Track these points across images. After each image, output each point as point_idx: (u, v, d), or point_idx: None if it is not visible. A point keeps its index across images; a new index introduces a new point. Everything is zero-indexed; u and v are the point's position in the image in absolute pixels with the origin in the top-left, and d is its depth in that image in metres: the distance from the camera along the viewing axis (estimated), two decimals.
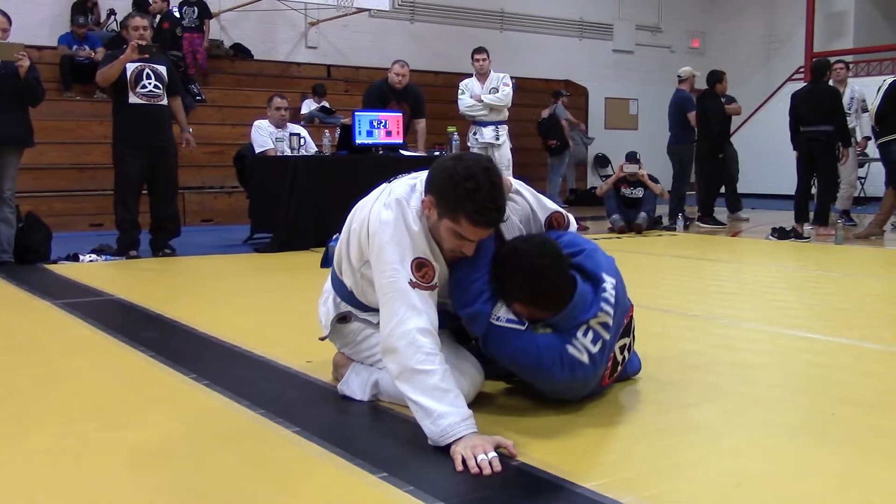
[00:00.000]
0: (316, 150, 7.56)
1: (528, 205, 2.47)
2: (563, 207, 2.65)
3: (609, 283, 2.34)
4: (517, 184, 2.49)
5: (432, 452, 2.08)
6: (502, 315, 2.27)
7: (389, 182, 2.41)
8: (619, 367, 2.50)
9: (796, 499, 1.81)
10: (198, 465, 2.03)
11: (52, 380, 2.86)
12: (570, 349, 2.26)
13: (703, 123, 8.93)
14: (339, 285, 2.52)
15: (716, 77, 9.10)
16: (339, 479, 1.93)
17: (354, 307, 2.50)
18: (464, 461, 1.94)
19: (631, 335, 2.52)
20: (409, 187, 2.28)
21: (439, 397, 2.05)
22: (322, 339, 2.61)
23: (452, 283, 2.32)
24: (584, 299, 2.28)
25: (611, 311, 2.31)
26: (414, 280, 2.15)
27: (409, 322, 2.11)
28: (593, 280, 2.33)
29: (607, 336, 2.31)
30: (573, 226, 2.60)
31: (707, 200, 9.22)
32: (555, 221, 2.52)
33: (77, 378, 2.89)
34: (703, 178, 9.24)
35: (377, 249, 2.22)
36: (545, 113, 11.53)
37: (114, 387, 2.77)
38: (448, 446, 2.01)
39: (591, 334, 2.28)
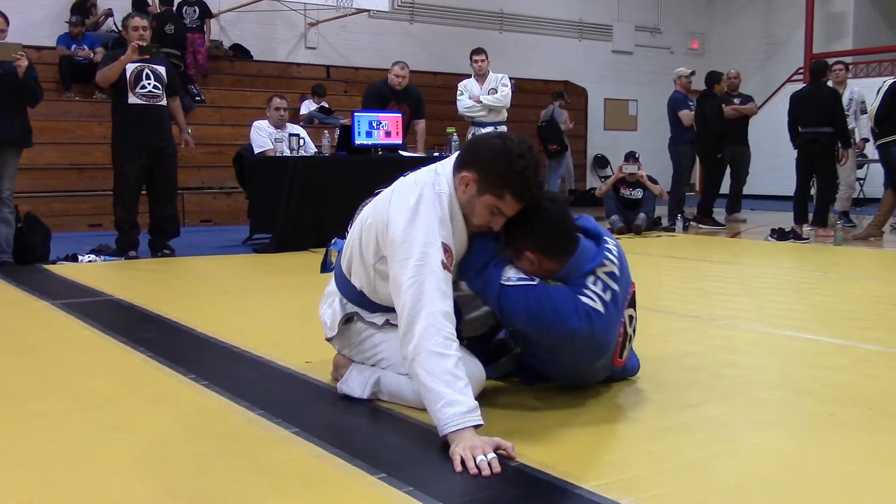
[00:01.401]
0: (315, 150, 7.57)
1: None
2: None
3: (610, 242, 2.48)
4: None
5: (432, 453, 2.08)
6: (513, 275, 2.33)
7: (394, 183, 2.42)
8: (629, 342, 2.56)
9: (796, 500, 1.81)
10: (197, 465, 2.03)
11: (50, 380, 2.86)
12: (584, 298, 2.31)
13: (702, 124, 8.93)
14: (346, 287, 2.52)
15: (714, 78, 9.11)
16: (338, 480, 1.92)
17: (362, 308, 2.50)
18: (463, 462, 1.94)
19: (635, 311, 2.58)
20: (433, 172, 2.32)
21: (451, 383, 2.05)
22: (328, 339, 2.61)
23: (463, 258, 2.38)
24: (587, 249, 2.39)
25: (615, 260, 2.41)
26: (444, 261, 2.18)
27: (436, 304, 2.12)
28: (594, 237, 2.46)
29: (616, 287, 2.38)
30: None
31: (705, 201, 9.22)
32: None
33: (76, 378, 2.88)
34: (703, 178, 9.25)
35: (402, 232, 2.21)
36: (543, 115, 11.54)
37: (113, 387, 2.76)
38: (447, 445, 2.01)
39: (600, 283, 2.35)
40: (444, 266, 2.18)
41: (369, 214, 2.41)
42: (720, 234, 8.58)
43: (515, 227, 2.33)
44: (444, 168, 2.34)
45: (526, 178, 2.22)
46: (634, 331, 2.58)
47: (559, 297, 2.30)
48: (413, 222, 2.21)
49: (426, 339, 2.09)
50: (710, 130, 8.90)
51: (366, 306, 2.49)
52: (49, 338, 3.57)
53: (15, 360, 3.16)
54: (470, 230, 2.34)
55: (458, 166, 2.30)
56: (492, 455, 1.95)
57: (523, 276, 2.33)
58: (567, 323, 2.28)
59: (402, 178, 2.41)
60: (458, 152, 2.39)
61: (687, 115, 9.15)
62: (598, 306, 2.32)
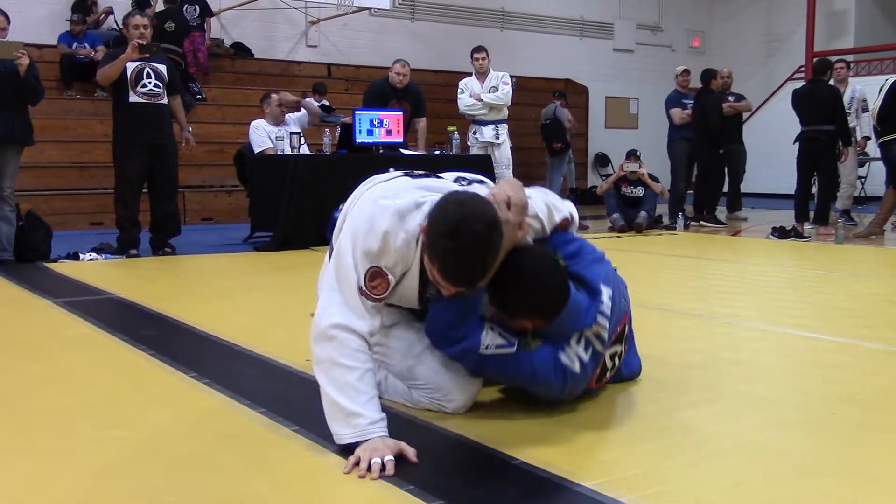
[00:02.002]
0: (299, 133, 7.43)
1: (541, 227, 2.37)
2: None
3: (606, 293, 2.31)
4: (535, 197, 2.33)
5: (432, 452, 2.08)
6: (490, 343, 2.23)
7: (396, 175, 2.34)
8: (608, 373, 2.46)
9: (796, 498, 1.81)
10: (198, 464, 2.03)
11: (51, 378, 2.86)
12: (563, 357, 2.25)
13: (701, 120, 8.92)
14: None
15: (710, 74, 9.12)
16: (338, 478, 1.92)
17: None
18: (357, 463, 1.92)
19: (624, 343, 2.48)
20: (415, 203, 2.14)
21: (353, 397, 2.01)
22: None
23: (431, 320, 2.26)
24: (577, 308, 2.25)
25: (606, 323, 2.29)
26: (364, 289, 2.10)
27: (349, 319, 2.07)
28: (589, 289, 2.30)
29: (600, 347, 2.30)
30: (576, 221, 2.54)
31: (702, 198, 9.21)
32: (560, 227, 2.46)
33: (77, 377, 2.88)
34: (700, 175, 9.23)
35: (346, 240, 2.15)
36: (545, 113, 11.53)
37: (114, 385, 2.77)
38: (446, 445, 2.01)
39: (583, 343, 2.26)
40: (363, 293, 2.09)
41: (350, 211, 2.30)
42: (722, 231, 8.57)
43: (500, 288, 2.21)
44: (430, 205, 2.13)
45: (448, 262, 2.00)
46: (615, 365, 2.48)
47: (538, 361, 2.24)
48: (355, 240, 2.13)
49: (332, 350, 2.05)
50: (709, 127, 8.89)
51: None
52: (50, 336, 3.57)
53: (16, 358, 3.16)
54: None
55: (427, 215, 2.10)
56: (389, 458, 1.92)
57: (501, 341, 2.23)
58: (540, 382, 2.28)
59: (393, 182, 2.28)
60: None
61: (677, 114, 9.14)
62: (575, 367, 2.25)
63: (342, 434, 2.02)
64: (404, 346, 2.38)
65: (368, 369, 2.07)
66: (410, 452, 1.98)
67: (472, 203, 2.03)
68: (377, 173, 2.42)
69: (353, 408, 2.01)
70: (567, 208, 2.47)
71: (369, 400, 2.04)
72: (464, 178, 2.37)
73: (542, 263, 2.23)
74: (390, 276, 2.13)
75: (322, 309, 2.12)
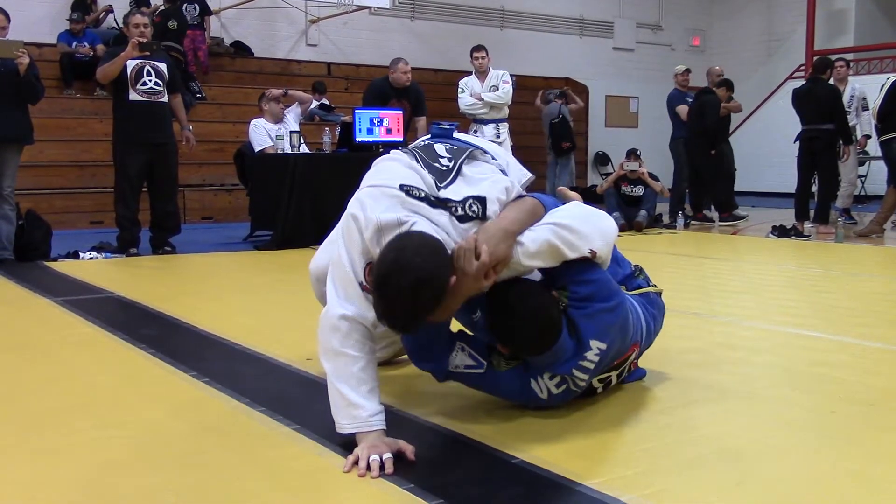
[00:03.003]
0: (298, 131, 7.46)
1: (534, 267, 2.25)
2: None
3: (594, 350, 2.23)
4: (548, 236, 2.19)
5: (432, 451, 2.08)
6: (459, 363, 2.28)
7: (400, 157, 2.28)
8: (597, 391, 2.46)
9: (796, 497, 1.81)
10: (198, 462, 2.03)
11: (52, 377, 2.86)
12: (532, 383, 2.27)
13: (698, 119, 8.91)
14: None
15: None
16: (338, 477, 1.93)
17: None
18: (357, 462, 1.94)
19: (620, 370, 2.47)
20: (397, 221, 2.06)
21: (354, 386, 2.05)
22: None
23: (402, 339, 2.35)
24: (557, 355, 2.21)
25: (583, 376, 2.27)
26: (365, 283, 2.08)
27: (355, 311, 2.08)
28: (579, 341, 2.24)
29: (573, 388, 2.30)
30: (601, 257, 2.34)
31: (699, 197, 9.21)
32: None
33: (77, 375, 2.88)
34: (695, 173, 9.21)
35: (341, 239, 2.16)
36: (548, 110, 11.54)
37: (114, 384, 2.77)
38: (447, 443, 2.01)
39: (557, 379, 2.27)
40: (365, 288, 2.07)
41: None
42: (714, 230, 8.56)
43: (492, 314, 2.22)
44: (407, 226, 2.07)
45: (377, 308, 1.97)
46: (610, 383, 2.47)
47: (504, 383, 2.30)
48: (345, 248, 2.12)
49: (338, 340, 2.07)
50: (706, 126, 8.88)
51: None
52: (50, 335, 3.57)
53: (16, 358, 3.16)
54: None
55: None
56: (387, 455, 1.94)
57: (470, 362, 2.28)
58: (504, 397, 2.36)
59: (382, 189, 2.15)
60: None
61: (684, 111, 9.14)
62: (543, 396, 2.29)
63: (343, 424, 2.06)
64: None
65: (371, 359, 2.11)
66: (409, 450, 1.99)
67: (413, 252, 1.93)
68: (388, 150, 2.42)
69: (355, 398, 2.04)
70: (595, 243, 2.26)
71: (370, 391, 2.07)
72: (471, 197, 2.20)
73: (538, 300, 2.19)
74: None
75: (330, 301, 2.14)
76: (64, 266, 5.63)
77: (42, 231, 6.03)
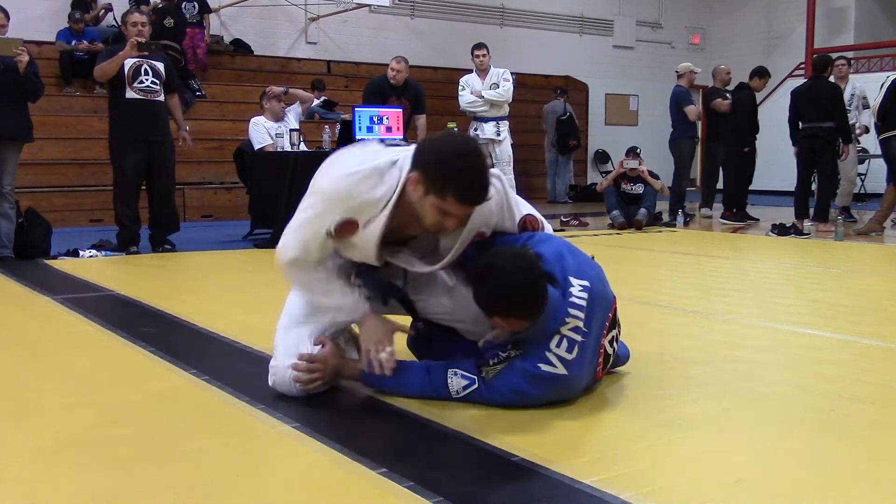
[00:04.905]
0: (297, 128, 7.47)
1: (503, 190, 2.46)
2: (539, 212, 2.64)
3: (577, 286, 2.32)
4: (496, 171, 2.49)
5: (433, 447, 2.08)
6: (458, 388, 2.34)
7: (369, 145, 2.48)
8: (611, 359, 2.53)
9: (796, 495, 1.81)
10: (198, 461, 2.03)
11: (51, 375, 2.86)
12: (543, 366, 2.26)
13: (733, 116, 8.93)
14: None
15: (754, 73, 9.12)
16: (339, 475, 1.93)
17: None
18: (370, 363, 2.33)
19: (617, 327, 2.53)
20: (390, 161, 2.29)
21: (326, 292, 2.40)
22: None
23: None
24: (553, 307, 2.26)
25: (580, 314, 2.29)
26: (331, 231, 2.28)
27: (296, 251, 2.36)
28: (558, 282, 2.31)
29: (579, 339, 2.29)
30: (548, 230, 2.58)
31: (731, 195, 9.19)
32: (529, 225, 2.52)
33: (77, 374, 2.89)
34: (729, 171, 9.21)
35: (320, 185, 2.30)
36: (555, 110, 11.56)
37: (113, 382, 2.77)
38: (447, 442, 2.01)
39: (564, 342, 2.27)
40: (330, 234, 2.29)
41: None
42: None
43: (481, 295, 2.26)
44: (405, 161, 2.29)
45: (464, 179, 2.17)
46: (615, 350, 2.55)
47: (494, 390, 2.31)
48: (335, 183, 2.28)
49: (301, 271, 2.41)
50: (739, 123, 8.88)
51: None
52: (50, 333, 3.57)
53: (16, 356, 3.16)
54: (425, 230, 2.33)
55: (410, 166, 2.26)
56: (390, 349, 2.34)
57: (464, 382, 2.32)
58: (503, 404, 2.33)
59: (371, 145, 2.44)
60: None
61: (693, 111, 9.12)
62: (560, 370, 2.26)
63: (338, 313, 2.44)
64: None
65: (332, 271, 2.41)
66: (403, 326, 2.38)
67: (452, 133, 2.38)
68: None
69: (334, 301, 2.40)
70: (532, 211, 2.58)
71: (343, 286, 2.41)
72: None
73: (520, 262, 2.24)
74: (361, 224, 2.29)
75: (289, 236, 2.38)
76: (64, 264, 5.63)
77: (42, 229, 6.03)
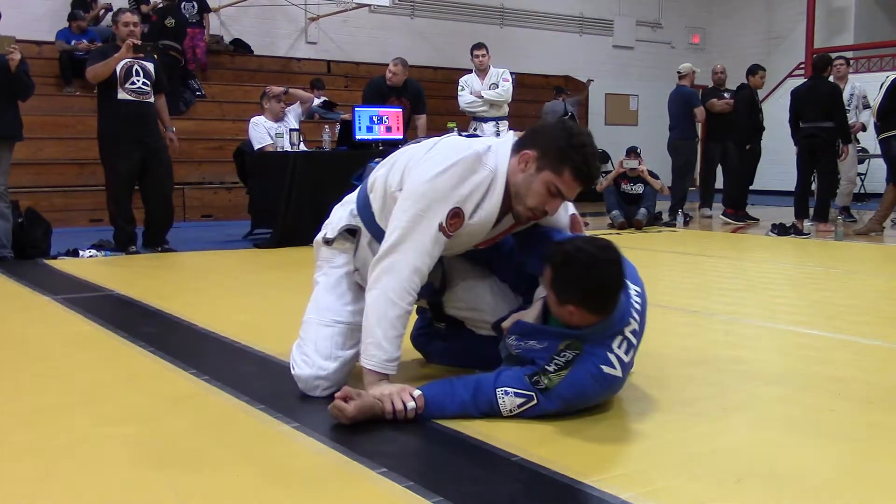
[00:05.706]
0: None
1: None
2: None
3: (634, 290, 2.35)
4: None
5: (433, 447, 2.08)
6: (511, 406, 2.23)
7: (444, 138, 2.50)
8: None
9: (796, 495, 1.81)
10: (198, 460, 2.03)
11: (51, 375, 2.86)
12: (605, 368, 2.22)
13: (734, 115, 8.96)
14: (363, 202, 2.56)
15: (749, 72, 9.13)
16: (339, 475, 1.93)
17: (367, 226, 2.54)
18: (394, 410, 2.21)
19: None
20: (486, 146, 2.36)
21: (387, 330, 2.29)
22: (325, 239, 2.63)
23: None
24: (621, 308, 2.25)
25: (638, 318, 2.32)
26: (444, 224, 2.28)
27: (411, 256, 2.28)
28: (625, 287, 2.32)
29: (635, 342, 2.31)
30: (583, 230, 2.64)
31: (732, 193, 9.20)
32: (576, 225, 2.57)
33: (77, 373, 2.88)
34: (730, 170, 9.22)
35: (420, 183, 2.30)
36: (556, 108, 11.55)
37: (113, 382, 2.77)
38: (445, 440, 2.01)
39: (625, 344, 2.26)
40: (442, 228, 2.28)
41: (408, 153, 2.48)
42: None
43: (567, 278, 2.20)
44: (500, 146, 2.38)
45: (585, 155, 2.28)
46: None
47: (565, 394, 2.22)
48: (435, 180, 2.29)
49: (388, 284, 2.28)
50: (740, 122, 8.90)
51: (370, 227, 2.53)
52: (50, 333, 3.57)
53: (15, 355, 3.16)
54: (520, 214, 2.37)
55: (519, 146, 2.36)
56: (411, 404, 2.22)
57: (520, 400, 2.22)
58: (578, 402, 2.27)
59: (456, 137, 2.49)
60: (516, 136, 2.44)
61: (701, 112, 9.12)
62: (618, 372, 2.25)
63: (364, 359, 2.33)
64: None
65: (409, 311, 2.34)
66: (413, 391, 2.25)
67: (566, 120, 2.40)
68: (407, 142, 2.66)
69: (383, 342, 2.29)
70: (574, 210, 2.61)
71: (397, 336, 2.31)
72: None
73: (611, 255, 2.24)
74: (467, 215, 2.32)
75: (394, 241, 2.30)
76: (63, 264, 5.63)
77: (42, 229, 6.03)
